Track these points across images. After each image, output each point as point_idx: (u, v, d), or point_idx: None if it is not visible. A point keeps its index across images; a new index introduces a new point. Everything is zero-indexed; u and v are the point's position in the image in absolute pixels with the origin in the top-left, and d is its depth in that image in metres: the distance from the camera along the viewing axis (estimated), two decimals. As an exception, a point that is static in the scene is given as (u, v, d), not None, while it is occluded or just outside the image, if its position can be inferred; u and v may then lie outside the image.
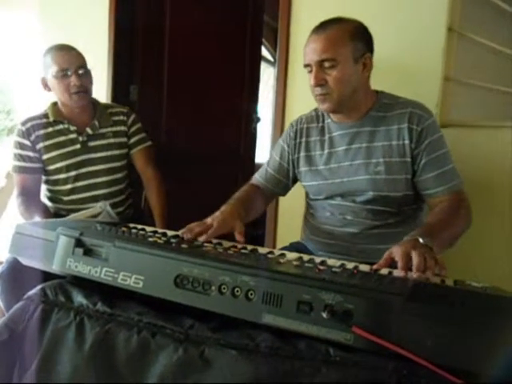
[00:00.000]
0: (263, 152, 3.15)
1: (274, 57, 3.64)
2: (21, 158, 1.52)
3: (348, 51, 1.08)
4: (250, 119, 2.62)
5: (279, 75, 1.75)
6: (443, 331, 0.60)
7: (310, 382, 0.61)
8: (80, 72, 1.46)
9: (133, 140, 1.61)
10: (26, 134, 1.50)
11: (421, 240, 0.86)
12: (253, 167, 2.75)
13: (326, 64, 1.07)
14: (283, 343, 0.66)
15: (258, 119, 2.72)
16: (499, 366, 0.57)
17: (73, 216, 1.46)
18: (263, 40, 2.81)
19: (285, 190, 1.32)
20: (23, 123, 1.52)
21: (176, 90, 2.31)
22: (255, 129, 2.71)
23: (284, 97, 1.74)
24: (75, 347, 0.74)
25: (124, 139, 1.60)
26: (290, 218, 1.59)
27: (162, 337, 0.71)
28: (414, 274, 0.77)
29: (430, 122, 1.11)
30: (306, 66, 1.12)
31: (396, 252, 0.83)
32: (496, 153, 1.43)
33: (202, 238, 0.94)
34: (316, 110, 1.28)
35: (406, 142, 1.11)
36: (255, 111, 2.68)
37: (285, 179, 1.28)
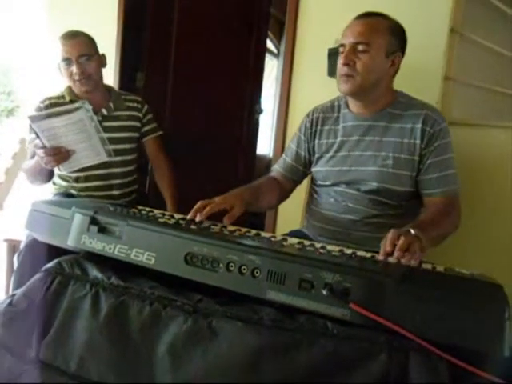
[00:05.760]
0: (264, 143, 3.19)
1: (277, 48, 3.66)
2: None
3: (383, 43, 1.13)
4: (253, 110, 2.66)
5: (284, 67, 1.78)
6: (429, 309, 0.66)
7: (308, 351, 0.67)
8: (81, 60, 1.51)
9: (146, 128, 1.69)
10: (43, 110, 1.55)
11: (412, 231, 0.91)
12: (254, 158, 2.80)
13: (360, 47, 1.12)
14: (285, 317, 0.72)
15: (261, 110, 2.75)
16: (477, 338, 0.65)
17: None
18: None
19: (302, 177, 1.39)
20: (42, 101, 1.59)
21: (181, 79, 2.34)
22: (258, 120, 2.74)
23: (288, 89, 1.77)
24: (91, 316, 0.80)
25: (137, 124, 1.67)
26: (289, 207, 1.63)
27: (173, 308, 0.76)
28: (395, 252, 0.83)
29: (442, 127, 1.16)
30: (341, 46, 1.17)
31: (388, 235, 0.88)
32: (494, 151, 1.47)
33: (205, 211, 0.99)
34: (332, 100, 1.33)
35: (418, 141, 1.16)
36: (258, 102, 2.72)
37: (302, 167, 1.34)
